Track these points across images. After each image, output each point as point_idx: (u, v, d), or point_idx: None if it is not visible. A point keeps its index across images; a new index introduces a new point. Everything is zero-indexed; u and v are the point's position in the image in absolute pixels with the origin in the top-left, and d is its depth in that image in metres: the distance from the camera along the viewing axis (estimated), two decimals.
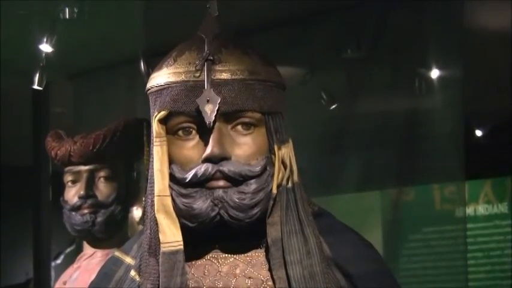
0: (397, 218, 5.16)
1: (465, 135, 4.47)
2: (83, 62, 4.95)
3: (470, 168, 4.88)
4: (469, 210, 6.17)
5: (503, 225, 6.14)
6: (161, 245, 2.34)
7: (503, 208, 6.19)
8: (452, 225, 5.04)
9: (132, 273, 2.43)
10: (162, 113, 2.35)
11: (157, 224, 2.35)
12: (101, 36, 4.65)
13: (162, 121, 2.36)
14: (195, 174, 2.30)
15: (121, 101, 4.61)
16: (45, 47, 4.35)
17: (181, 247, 2.33)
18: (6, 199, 5.94)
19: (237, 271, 2.36)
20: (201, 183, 2.30)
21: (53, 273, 4.99)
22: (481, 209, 6.25)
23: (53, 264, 5.01)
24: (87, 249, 3.83)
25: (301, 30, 4.49)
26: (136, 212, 3.79)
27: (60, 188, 3.85)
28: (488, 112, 5.96)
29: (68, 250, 4.55)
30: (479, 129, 6.17)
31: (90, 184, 3.73)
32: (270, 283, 2.33)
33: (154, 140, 2.38)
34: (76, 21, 4.31)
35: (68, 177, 3.79)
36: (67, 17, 4.28)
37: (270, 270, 2.34)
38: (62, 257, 4.90)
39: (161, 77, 2.39)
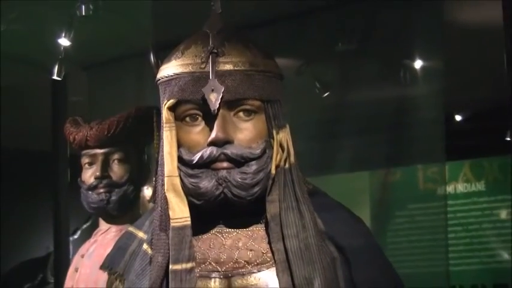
0: (384, 196, 5.16)
1: (446, 121, 4.47)
2: (97, 55, 4.93)
3: (451, 151, 4.87)
4: (450, 189, 6.17)
5: (481, 201, 6.14)
6: (171, 220, 2.35)
7: (480, 186, 6.18)
8: (434, 202, 5.08)
9: (145, 246, 2.44)
10: (171, 101, 2.36)
11: (167, 202, 2.36)
12: (113, 31, 4.62)
13: (171, 108, 2.36)
14: (201, 157, 2.31)
15: (132, 90, 4.59)
16: (64, 41, 4.35)
17: (189, 223, 2.34)
18: (28, 181, 5.92)
19: (240, 244, 2.37)
20: (206, 164, 2.31)
21: (71, 247, 4.98)
22: (461, 188, 6.24)
23: (70, 239, 5.00)
24: (103, 225, 3.83)
25: (297, 25, 4.47)
26: (147, 191, 3.78)
27: (78, 170, 3.83)
28: (467, 100, 5.96)
29: (84, 226, 4.55)
30: (458, 115, 6.16)
31: (105, 166, 3.73)
32: (270, 255, 2.34)
33: (164, 125, 2.38)
34: (91, 18, 4.29)
35: (85, 160, 3.79)
36: (83, 14, 4.26)
37: (269, 243, 2.34)
38: (79, 232, 4.90)
39: (170, 69, 2.39)
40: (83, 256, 3.81)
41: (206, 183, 2.32)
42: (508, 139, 3.00)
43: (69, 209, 5.04)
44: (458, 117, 6.17)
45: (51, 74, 4.46)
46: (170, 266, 2.33)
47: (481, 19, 4.33)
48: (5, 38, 4.41)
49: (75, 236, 4.90)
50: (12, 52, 4.77)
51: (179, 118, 2.37)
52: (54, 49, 4.38)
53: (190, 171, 2.34)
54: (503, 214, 5.98)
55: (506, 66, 2.98)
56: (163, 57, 2.48)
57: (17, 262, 5.77)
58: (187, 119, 2.36)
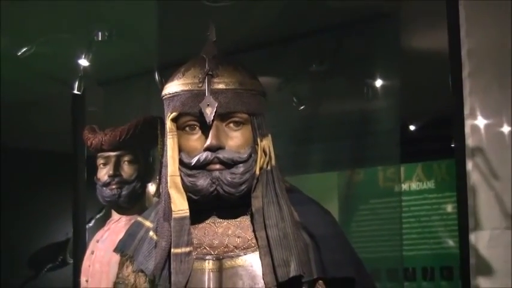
0: (350, 193, 5.09)
1: (401, 130, 4.43)
2: (111, 73, 4.89)
3: (405, 155, 4.82)
4: (405, 187, 6.10)
5: (431, 197, 6.04)
6: (173, 212, 2.36)
7: (430, 185, 6.09)
8: (391, 198, 5.04)
9: (151, 233, 2.45)
10: (174, 114, 2.37)
11: (170, 197, 2.37)
12: (124, 53, 4.58)
13: (174, 120, 2.37)
14: (198, 160, 2.33)
15: (140, 103, 4.55)
16: (83, 62, 4.33)
17: (188, 214, 2.35)
18: (52, 178, 5.88)
19: (229, 232, 2.39)
20: (202, 166, 2.33)
21: (87, 234, 4.93)
22: (414, 186, 6.14)
23: (87, 226, 4.93)
24: (115, 215, 3.81)
25: (277, 50, 4.44)
26: (152, 187, 3.73)
27: (94, 169, 3.82)
28: (419, 113, 5.92)
29: (98, 216, 4.51)
30: (411, 125, 6.10)
31: (117, 166, 3.72)
32: (254, 241, 2.36)
33: (167, 134, 2.39)
34: (106, 42, 4.28)
35: (100, 161, 3.77)
36: (99, 39, 4.26)
37: (254, 231, 2.37)
38: (93, 221, 4.84)
39: (173, 87, 2.40)
40: (98, 241, 3.79)
41: (202, 181, 2.33)
42: (452, 145, 3.02)
43: (85, 201, 4.99)
44: (411, 127, 6.11)
45: (72, 88, 4.43)
46: (172, 250, 2.34)
47: (430, 46, 4.30)
48: (35, 58, 4.38)
49: (90, 224, 4.85)
50: (41, 70, 4.76)
51: (180, 128, 2.38)
52: (75, 68, 4.36)
53: (189, 172, 2.35)
54: (449, 208, 5.93)
55: (451, 85, 3.01)
56: (166, 75, 2.50)
57: (41, 246, 5.74)
58: (187, 128, 2.37)
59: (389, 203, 5.09)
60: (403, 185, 6.02)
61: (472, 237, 2.78)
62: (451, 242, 5.85)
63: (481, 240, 2.75)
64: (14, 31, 4.09)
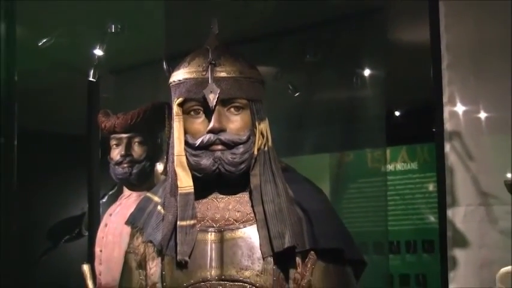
0: (340, 173, 5.04)
1: (386, 116, 4.46)
2: (122, 62, 4.88)
3: (391, 139, 4.85)
4: (390, 167, 6.08)
5: (414, 177, 6.01)
6: (178, 188, 2.37)
7: (414, 166, 6.03)
8: (378, 178, 5.01)
9: (159, 207, 2.45)
10: (180, 99, 2.38)
11: (176, 174, 2.38)
12: (135, 44, 4.58)
13: (180, 105, 2.38)
14: (202, 141, 2.34)
15: (149, 89, 4.53)
16: (98, 52, 4.31)
17: (192, 190, 2.37)
18: (69, 158, 5.85)
19: (230, 207, 2.40)
20: (205, 147, 2.34)
21: (101, 209, 4.94)
22: (399, 166, 6.09)
23: (100, 202, 4.88)
24: (126, 191, 3.80)
25: (275, 43, 4.44)
26: (159, 166, 3.67)
27: (107, 150, 3.82)
28: (403, 100, 5.91)
29: (111, 192, 4.45)
30: (396, 111, 6.05)
31: (128, 147, 3.71)
32: (252, 215, 2.37)
33: (174, 117, 2.40)
34: (118, 34, 4.28)
35: (113, 142, 3.76)
36: (112, 31, 4.26)
37: (252, 206, 2.38)
38: (106, 197, 4.78)
39: (179, 75, 2.41)
40: (110, 215, 3.79)
41: (205, 161, 2.34)
42: (434, 130, 3.03)
43: (99, 179, 4.98)
44: (396, 113, 6.05)
45: (88, 76, 4.42)
46: (178, 223, 2.35)
47: (413, 40, 4.29)
48: (55, 49, 4.37)
49: (104, 200, 4.79)
50: (59, 59, 4.75)
51: (186, 112, 2.38)
52: (90, 58, 4.35)
53: (193, 152, 2.36)
54: (431, 187, 5.85)
55: (432, 76, 3.02)
56: (173, 64, 2.50)
57: (59, 219, 5.74)
58: (192, 112, 2.38)
59: (376, 182, 5.05)
60: (388, 166, 5.99)
61: (450, 212, 2.80)
62: (432, 218, 5.79)
63: (457, 216, 2.77)
64: (35, 24, 4.08)
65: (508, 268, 2.13)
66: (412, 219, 6.02)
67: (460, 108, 2.86)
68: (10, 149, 3.64)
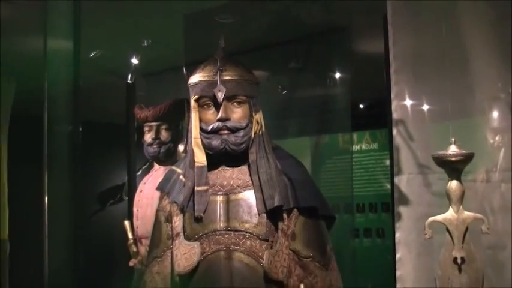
0: (318, 152, 4.96)
1: (352, 108, 4.44)
2: (152, 68, 4.82)
3: (357, 125, 4.87)
4: (357, 147, 5.97)
5: (375, 155, 5.90)
6: (195, 163, 2.40)
7: (375, 146, 5.91)
8: (347, 156, 4.94)
9: (181, 177, 2.48)
10: (196, 96, 2.41)
11: (193, 152, 2.40)
12: (162, 54, 4.54)
13: (196, 100, 2.41)
14: (212, 127, 2.38)
15: (172, 89, 4.48)
16: (134, 60, 4.31)
17: (206, 164, 2.40)
18: (111, 142, 5.82)
19: (234, 176, 2.43)
20: (215, 132, 2.37)
21: (137, 179, 4.92)
22: (364, 147, 5.98)
23: (137, 174, 4.83)
24: (156, 166, 3.77)
25: (266, 53, 4.44)
26: (181, 147, 3.63)
27: (141, 134, 3.79)
28: (365, 96, 5.86)
29: (144, 167, 4.39)
30: (360, 104, 6.06)
31: (157, 132, 3.69)
32: (250, 182, 2.39)
33: (191, 110, 2.42)
34: (149, 46, 4.26)
35: (146, 128, 3.74)
36: (145, 44, 4.25)
37: (250, 175, 2.41)
38: (141, 170, 4.75)
39: (195, 78, 2.43)
40: (144, 183, 3.79)
41: (215, 142, 2.38)
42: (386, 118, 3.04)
43: (136, 157, 4.93)
44: (360, 106, 6.06)
45: (126, 79, 4.42)
46: (195, 188, 2.38)
47: (370, 50, 4.25)
48: (102, 58, 4.38)
49: (139, 173, 4.70)
50: (104, 66, 4.75)
51: (200, 106, 2.41)
52: (129, 65, 4.34)
53: (206, 135, 2.39)
54: (387, 162, 5.75)
55: (385, 78, 3.05)
56: (191, 70, 2.51)
57: (105, 188, 5.72)
58: (205, 106, 2.41)
59: (345, 159, 4.99)
60: (355, 146, 5.89)
61: (396, 179, 2.80)
62: (388, 185, 5.71)
63: (402, 182, 2.77)
64: (88, 41, 4.10)
65: (434, 217, 2.21)
66: (374, 187, 5.93)
67: (406, 102, 2.86)
68: (76, 135, 3.69)
